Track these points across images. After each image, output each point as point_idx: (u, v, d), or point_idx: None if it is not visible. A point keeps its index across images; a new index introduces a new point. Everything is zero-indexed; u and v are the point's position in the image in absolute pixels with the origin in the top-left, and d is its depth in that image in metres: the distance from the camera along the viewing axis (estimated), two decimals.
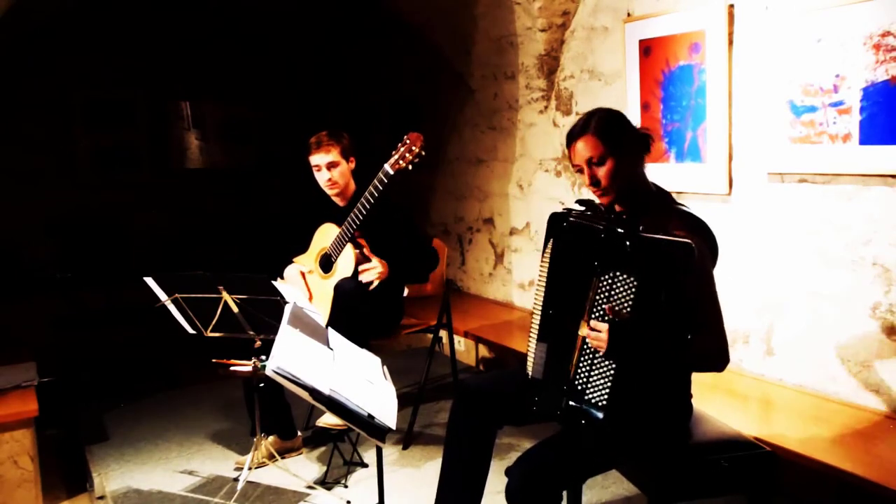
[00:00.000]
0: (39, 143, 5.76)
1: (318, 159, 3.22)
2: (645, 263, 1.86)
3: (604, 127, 2.10)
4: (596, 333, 1.92)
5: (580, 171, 2.14)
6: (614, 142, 2.08)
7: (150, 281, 2.83)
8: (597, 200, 2.19)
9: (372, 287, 3.07)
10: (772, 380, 3.07)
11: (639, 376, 1.96)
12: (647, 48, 3.47)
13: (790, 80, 2.86)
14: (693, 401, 2.29)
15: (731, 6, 3.09)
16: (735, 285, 3.20)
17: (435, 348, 3.65)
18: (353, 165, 3.30)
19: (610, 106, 3.70)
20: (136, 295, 3.44)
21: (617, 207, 2.17)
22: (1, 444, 2.97)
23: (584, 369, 1.99)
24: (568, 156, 2.20)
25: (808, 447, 2.40)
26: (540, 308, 2.15)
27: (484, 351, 4.58)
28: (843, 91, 2.68)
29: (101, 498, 3.09)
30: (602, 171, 2.09)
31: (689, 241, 1.87)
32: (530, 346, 2.18)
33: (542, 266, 2.17)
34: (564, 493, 2.43)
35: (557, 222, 2.11)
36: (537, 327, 2.16)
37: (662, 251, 1.88)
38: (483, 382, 2.44)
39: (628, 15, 3.59)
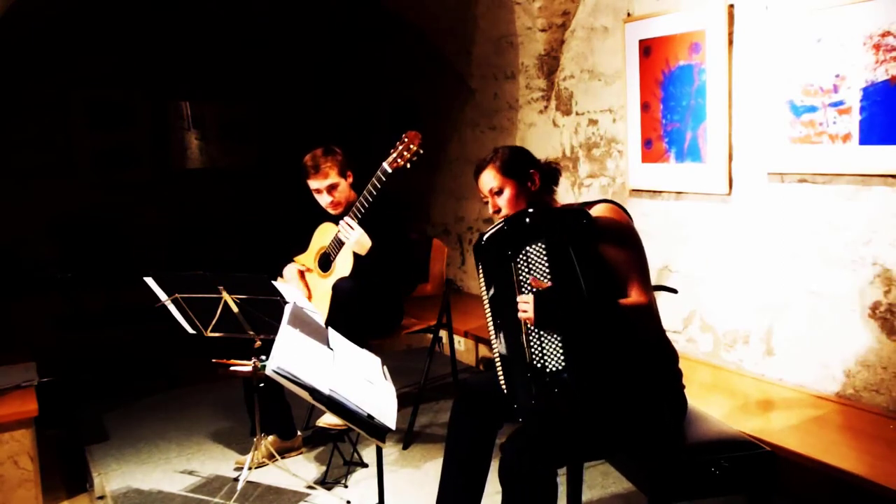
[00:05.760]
0: (40, 143, 5.76)
1: (317, 184, 3.20)
2: (547, 227, 2.05)
3: (503, 161, 2.31)
4: (523, 306, 2.04)
5: (486, 202, 2.36)
6: (512, 173, 2.30)
7: (150, 281, 2.83)
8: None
9: (348, 241, 3.08)
10: (772, 380, 3.07)
11: (587, 326, 2.02)
12: (647, 48, 3.47)
13: (790, 80, 2.86)
14: (693, 401, 2.29)
15: (731, 6, 3.09)
16: (735, 285, 3.20)
17: (435, 348, 3.65)
18: (351, 179, 3.28)
19: (610, 106, 3.77)
20: (136, 295, 3.44)
21: None
22: (1, 444, 2.97)
23: (535, 347, 2.05)
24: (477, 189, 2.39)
25: (808, 447, 2.40)
26: (492, 326, 2.21)
27: (484, 351, 4.57)
28: (843, 91, 2.68)
29: (101, 498, 3.09)
30: (502, 200, 2.30)
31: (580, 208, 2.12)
32: (496, 363, 2.21)
33: (482, 294, 2.25)
34: (564, 490, 2.44)
35: (478, 246, 2.23)
36: (494, 343, 2.21)
37: (559, 214, 2.16)
38: (483, 382, 2.44)
39: (628, 15, 3.59)
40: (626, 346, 2.08)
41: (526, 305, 2.03)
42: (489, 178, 2.31)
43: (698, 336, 3.41)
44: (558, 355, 2.02)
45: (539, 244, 2.04)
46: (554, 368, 2.02)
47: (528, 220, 2.06)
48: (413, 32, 5.10)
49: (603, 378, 2.04)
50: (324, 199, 3.24)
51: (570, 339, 2.01)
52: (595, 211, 2.15)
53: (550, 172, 2.35)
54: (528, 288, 2.06)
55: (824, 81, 2.74)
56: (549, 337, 2.03)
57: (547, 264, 2.02)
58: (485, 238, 2.19)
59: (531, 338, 2.06)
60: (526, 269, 2.07)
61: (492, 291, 2.20)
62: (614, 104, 3.77)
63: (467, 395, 2.38)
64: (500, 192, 2.30)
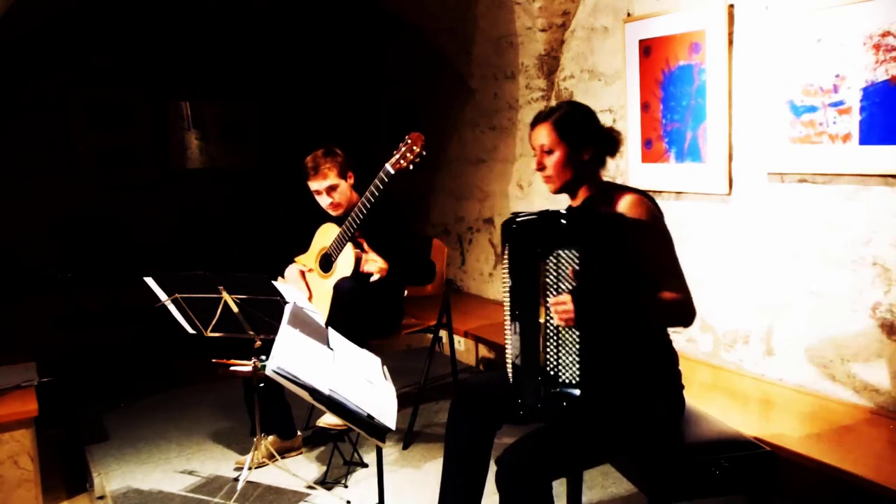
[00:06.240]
0: (40, 143, 5.76)
1: (317, 185, 3.20)
2: (583, 234, 1.95)
3: (563, 120, 2.18)
4: (560, 307, 1.94)
5: (535, 155, 2.25)
6: (568, 135, 2.17)
7: (149, 281, 2.83)
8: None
9: (373, 279, 3.06)
10: (772, 380, 3.07)
11: (606, 343, 1.98)
12: (647, 48, 3.47)
13: (790, 80, 2.86)
14: (693, 401, 2.29)
15: (731, 6, 3.09)
16: (735, 285, 3.20)
17: (435, 348, 3.65)
18: (352, 181, 3.27)
19: (610, 106, 3.77)
20: (136, 295, 3.44)
21: (572, 202, 2.27)
22: (1, 444, 2.97)
23: (551, 353, 2.02)
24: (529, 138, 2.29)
25: (808, 447, 2.41)
26: (508, 314, 2.18)
27: (484, 351, 4.57)
28: (843, 91, 2.68)
29: (101, 498, 3.09)
30: (550, 160, 2.19)
31: (619, 213, 2.04)
32: (507, 351, 2.19)
33: (502, 274, 2.20)
34: (564, 490, 2.44)
35: (508, 226, 2.17)
36: (508, 331, 2.18)
37: (597, 220, 2.03)
38: (483, 382, 2.45)
39: (628, 15, 3.59)
40: (639, 356, 2.05)
41: (564, 305, 1.93)
42: (542, 135, 2.19)
43: (698, 336, 3.41)
44: (573, 369, 1.98)
45: (572, 251, 1.95)
46: (566, 380, 1.99)
47: (563, 221, 1.98)
48: (413, 32, 5.10)
49: (613, 393, 2.01)
50: (324, 201, 3.24)
51: (588, 354, 1.96)
52: (625, 206, 2.09)
53: (608, 144, 2.21)
54: (555, 291, 1.98)
55: (824, 81, 2.74)
56: (566, 348, 1.99)
57: (577, 274, 1.94)
58: (517, 220, 2.10)
59: (548, 343, 2.02)
60: (554, 274, 1.99)
61: (514, 282, 2.13)
62: (614, 104, 3.77)
63: (466, 395, 2.37)
64: (549, 153, 2.18)
